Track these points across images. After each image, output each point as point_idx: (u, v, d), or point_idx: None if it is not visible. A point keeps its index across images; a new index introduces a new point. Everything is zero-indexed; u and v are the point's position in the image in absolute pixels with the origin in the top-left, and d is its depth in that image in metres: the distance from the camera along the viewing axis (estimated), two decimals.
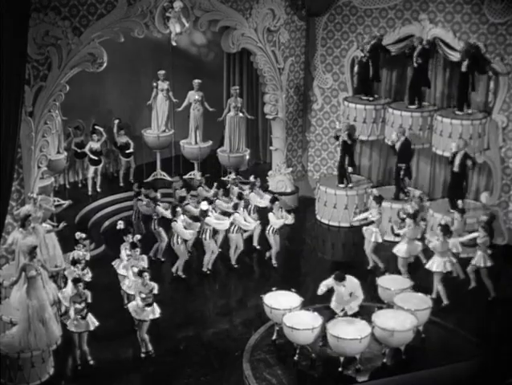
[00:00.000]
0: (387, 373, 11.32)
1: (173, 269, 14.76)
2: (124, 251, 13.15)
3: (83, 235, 13.18)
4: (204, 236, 14.70)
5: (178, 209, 14.52)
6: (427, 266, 13.71)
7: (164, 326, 12.56)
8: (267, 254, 15.30)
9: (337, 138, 16.96)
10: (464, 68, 15.59)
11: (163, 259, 15.19)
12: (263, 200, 15.67)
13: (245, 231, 15.27)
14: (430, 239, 13.76)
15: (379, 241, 14.65)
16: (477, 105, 16.17)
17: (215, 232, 15.05)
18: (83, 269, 12.59)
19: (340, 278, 11.94)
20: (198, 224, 14.70)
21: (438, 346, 12.21)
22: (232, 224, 14.85)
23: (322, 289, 12.13)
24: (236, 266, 15.10)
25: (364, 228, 14.91)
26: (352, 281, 12.06)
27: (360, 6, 17.21)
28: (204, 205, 14.68)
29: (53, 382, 11.55)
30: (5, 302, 12.39)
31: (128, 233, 13.37)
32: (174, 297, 14.07)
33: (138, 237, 13.27)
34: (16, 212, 13.27)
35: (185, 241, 14.72)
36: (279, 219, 14.90)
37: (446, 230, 13.52)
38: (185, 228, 14.48)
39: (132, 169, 18.39)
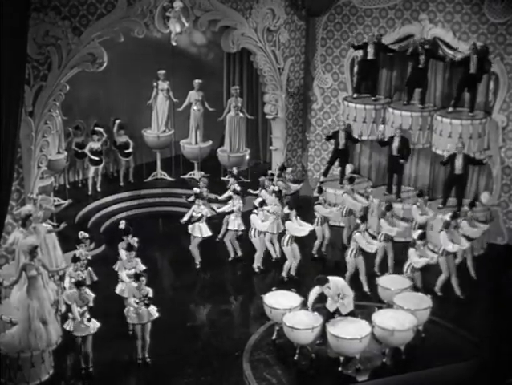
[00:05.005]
0: (387, 373, 11.34)
1: (255, 265, 14.88)
2: (123, 251, 13.11)
3: (87, 235, 13.18)
4: (283, 242, 14.42)
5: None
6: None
7: (164, 326, 12.54)
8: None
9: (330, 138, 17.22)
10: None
11: None
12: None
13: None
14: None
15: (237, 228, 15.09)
16: (477, 105, 16.17)
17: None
18: (86, 268, 12.60)
19: (322, 281, 11.87)
20: (274, 216, 14.81)
21: (438, 346, 12.22)
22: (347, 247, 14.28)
23: (311, 298, 12.05)
24: (369, 293, 13.86)
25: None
26: (337, 282, 11.96)
27: (360, 6, 17.20)
28: (286, 209, 14.65)
29: (53, 382, 11.55)
30: (5, 302, 12.38)
31: (129, 233, 13.36)
32: (174, 297, 14.10)
33: (136, 239, 13.23)
34: (16, 211, 13.27)
35: (263, 233, 14.80)
36: (422, 257, 13.18)
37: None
38: (262, 221, 14.66)
39: (131, 169, 18.39)
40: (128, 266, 12.64)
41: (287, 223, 14.36)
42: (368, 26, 17.14)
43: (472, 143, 15.72)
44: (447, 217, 14.00)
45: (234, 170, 16.62)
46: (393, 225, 14.35)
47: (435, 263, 13.47)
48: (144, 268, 12.67)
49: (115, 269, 13.14)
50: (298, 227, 14.32)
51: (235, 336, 12.81)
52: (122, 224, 13.68)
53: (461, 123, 15.69)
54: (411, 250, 13.23)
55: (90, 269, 12.97)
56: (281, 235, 14.68)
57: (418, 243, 13.19)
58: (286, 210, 14.52)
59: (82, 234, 13.10)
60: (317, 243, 15.43)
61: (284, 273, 14.52)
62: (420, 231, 13.55)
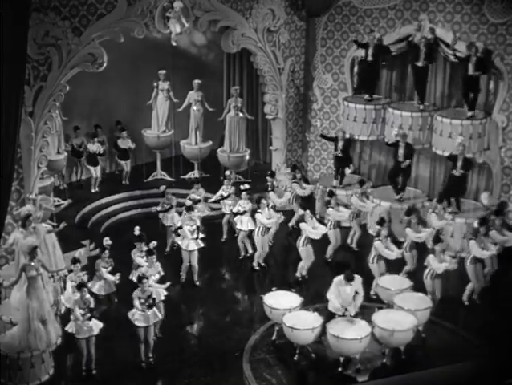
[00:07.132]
0: (387, 373, 11.34)
1: (255, 263, 14.99)
2: (140, 258, 13.01)
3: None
4: (298, 242, 14.33)
5: (263, 201, 14.82)
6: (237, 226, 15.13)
7: (164, 326, 12.54)
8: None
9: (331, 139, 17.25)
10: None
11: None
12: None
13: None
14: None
15: (246, 228, 15.12)
16: (477, 105, 16.15)
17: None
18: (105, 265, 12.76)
19: (350, 278, 11.93)
20: (280, 215, 15.09)
21: (438, 346, 12.24)
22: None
23: (332, 300, 12.05)
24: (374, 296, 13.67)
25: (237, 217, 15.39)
26: (357, 279, 12.05)
27: (360, 6, 17.21)
28: (301, 210, 14.59)
29: (53, 382, 11.54)
30: (5, 302, 12.39)
31: (142, 240, 13.31)
32: (174, 297, 14.09)
33: (154, 243, 13.17)
34: (16, 212, 13.26)
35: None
36: (442, 262, 12.92)
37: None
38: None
39: (126, 173, 18.38)
40: (152, 273, 12.48)
41: (302, 224, 14.27)
42: (368, 26, 17.13)
43: (472, 143, 15.72)
44: (475, 224, 13.83)
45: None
46: (418, 232, 14.15)
47: (454, 269, 13.23)
48: (162, 273, 12.67)
49: (133, 279, 13.04)
50: (313, 230, 14.18)
51: (235, 336, 12.80)
52: (136, 231, 13.59)
53: (461, 124, 15.69)
54: (430, 257, 13.05)
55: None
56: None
57: (437, 249, 13.04)
58: (300, 211, 14.46)
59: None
60: (331, 247, 15.30)
61: (298, 274, 14.52)
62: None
